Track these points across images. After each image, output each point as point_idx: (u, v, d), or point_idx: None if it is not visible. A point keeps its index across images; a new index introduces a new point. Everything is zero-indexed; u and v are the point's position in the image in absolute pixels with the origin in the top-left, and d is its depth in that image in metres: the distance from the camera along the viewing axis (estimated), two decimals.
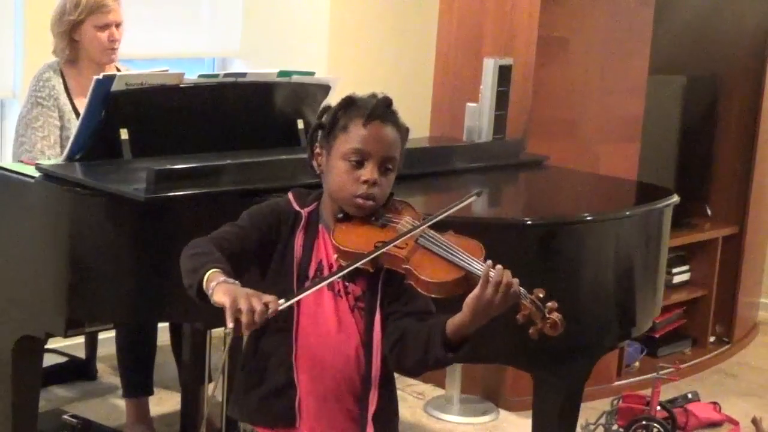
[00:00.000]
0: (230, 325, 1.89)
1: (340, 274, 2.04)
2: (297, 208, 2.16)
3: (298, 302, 2.08)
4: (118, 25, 3.67)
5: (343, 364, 2.12)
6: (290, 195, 2.19)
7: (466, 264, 1.99)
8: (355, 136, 2.09)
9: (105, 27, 3.63)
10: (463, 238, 2.08)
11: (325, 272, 2.11)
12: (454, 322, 1.99)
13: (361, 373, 2.13)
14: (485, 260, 1.99)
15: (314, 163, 2.17)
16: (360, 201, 2.08)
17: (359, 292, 2.11)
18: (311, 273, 2.12)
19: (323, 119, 2.15)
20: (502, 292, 1.93)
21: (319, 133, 2.16)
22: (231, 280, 1.96)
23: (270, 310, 1.91)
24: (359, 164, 2.08)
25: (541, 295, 1.96)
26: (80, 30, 3.64)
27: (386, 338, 2.10)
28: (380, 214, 2.12)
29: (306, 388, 2.13)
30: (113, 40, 3.65)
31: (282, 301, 1.95)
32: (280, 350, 2.13)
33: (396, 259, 2.03)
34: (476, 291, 1.94)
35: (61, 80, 3.65)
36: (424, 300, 2.08)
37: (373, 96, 2.15)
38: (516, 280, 1.94)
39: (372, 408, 2.13)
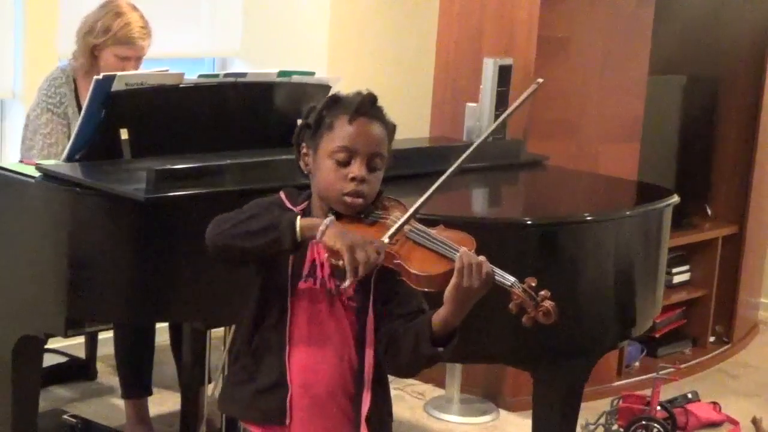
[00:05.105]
0: (350, 279, 1.96)
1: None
2: (290, 207, 2.15)
3: (293, 301, 2.11)
4: (138, 59, 3.67)
5: (336, 363, 2.12)
6: (282, 194, 2.18)
7: (455, 256, 1.99)
8: (340, 133, 2.08)
9: (125, 59, 3.63)
10: (454, 232, 2.08)
11: (318, 272, 2.10)
12: (438, 316, 2.00)
13: (354, 373, 2.13)
14: (477, 253, 1.99)
15: (301, 164, 2.17)
16: (348, 199, 2.07)
17: (351, 292, 2.11)
18: (305, 271, 2.12)
19: (309, 119, 2.15)
20: (475, 273, 1.94)
21: (306, 132, 2.15)
22: (335, 222, 2.01)
23: (381, 256, 1.97)
24: (346, 162, 2.07)
25: (533, 284, 1.97)
26: (101, 51, 3.63)
27: (379, 341, 2.10)
28: (369, 212, 2.11)
29: (298, 386, 2.12)
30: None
31: (386, 240, 2.01)
32: (274, 347, 2.13)
33: (387, 254, 2.02)
34: (453, 281, 1.96)
35: (72, 87, 3.65)
36: (417, 300, 2.09)
37: (359, 93, 2.14)
38: (483, 259, 1.95)
39: (365, 408, 2.12)
